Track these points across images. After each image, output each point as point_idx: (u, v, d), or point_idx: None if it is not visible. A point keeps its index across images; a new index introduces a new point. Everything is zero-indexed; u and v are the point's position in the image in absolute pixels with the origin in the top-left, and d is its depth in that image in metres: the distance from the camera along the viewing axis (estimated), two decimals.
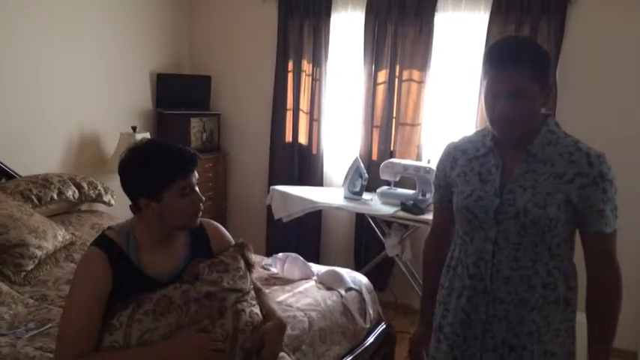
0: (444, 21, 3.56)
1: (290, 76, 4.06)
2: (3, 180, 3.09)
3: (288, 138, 4.13)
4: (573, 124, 1.39)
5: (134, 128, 3.74)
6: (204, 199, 1.64)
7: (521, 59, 1.39)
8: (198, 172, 1.63)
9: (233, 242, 1.82)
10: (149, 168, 1.56)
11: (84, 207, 3.53)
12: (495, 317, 1.52)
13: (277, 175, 4.13)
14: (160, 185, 1.55)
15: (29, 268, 2.59)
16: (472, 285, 1.54)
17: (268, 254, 3.13)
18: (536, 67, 1.40)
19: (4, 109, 3.15)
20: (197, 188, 1.63)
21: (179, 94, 4.23)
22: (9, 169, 3.14)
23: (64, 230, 2.89)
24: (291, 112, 4.10)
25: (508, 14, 3.29)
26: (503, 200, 1.47)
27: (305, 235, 4.10)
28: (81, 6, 3.55)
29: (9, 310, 2.24)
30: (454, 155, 1.62)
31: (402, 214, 3.27)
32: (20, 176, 3.14)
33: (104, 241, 1.59)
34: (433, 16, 3.53)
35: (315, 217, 3.98)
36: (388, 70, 3.71)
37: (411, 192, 3.43)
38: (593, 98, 3.23)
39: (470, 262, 1.54)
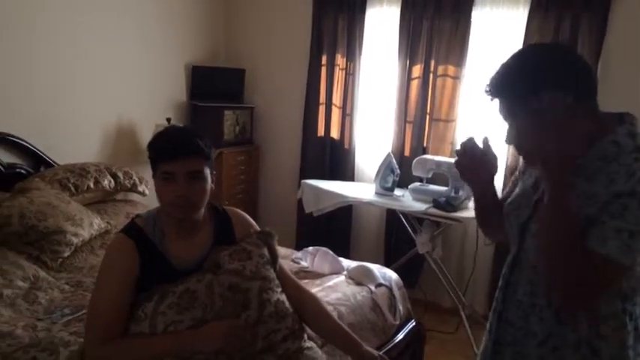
0: (481, 17, 3.49)
1: (323, 70, 4.05)
2: (42, 168, 3.17)
3: (321, 132, 4.12)
4: None
5: (169, 120, 3.78)
6: (184, 193, 1.54)
7: (498, 93, 1.24)
8: (205, 166, 1.58)
9: (258, 229, 1.80)
10: (149, 146, 1.61)
11: (119, 196, 3.59)
12: (504, 339, 1.37)
13: (308, 169, 4.13)
14: (153, 164, 1.59)
15: (66, 254, 2.65)
16: (497, 297, 1.40)
17: (298, 248, 3.13)
18: (516, 96, 1.21)
19: (44, 99, 3.22)
20: (203, 179, 1.57)
21: (213, 87, 4.26)
22: (48, 157, 3.21)
23: (99, 219, 2.95)
24: (324, 106, 4.09)
25: (548, 10, 3.20)
26: (534, 214, 1.29)
27: (335, 230, 4.10)
28: None
29: (45, 295, 2.30)
30: None
31: (433, 211, 3.23)
32: (58, 165, 3.21)
33: (132, 229, 1.63)
34: (470, 11, 3.47)
35: (346, 212, 3.97)
36: (423, 65, 3.66)
37: (443, 189, 3.39)
38: (636, 95, 3.13)
39: (504, 271, 1.39)
